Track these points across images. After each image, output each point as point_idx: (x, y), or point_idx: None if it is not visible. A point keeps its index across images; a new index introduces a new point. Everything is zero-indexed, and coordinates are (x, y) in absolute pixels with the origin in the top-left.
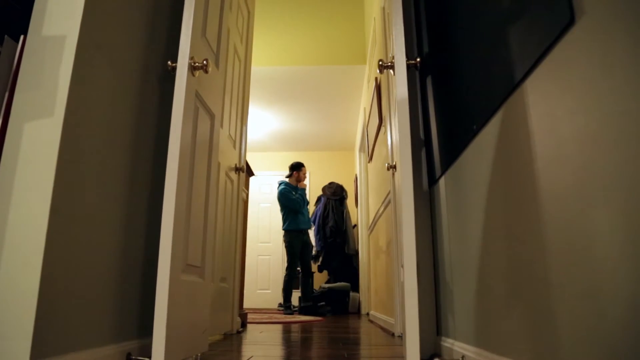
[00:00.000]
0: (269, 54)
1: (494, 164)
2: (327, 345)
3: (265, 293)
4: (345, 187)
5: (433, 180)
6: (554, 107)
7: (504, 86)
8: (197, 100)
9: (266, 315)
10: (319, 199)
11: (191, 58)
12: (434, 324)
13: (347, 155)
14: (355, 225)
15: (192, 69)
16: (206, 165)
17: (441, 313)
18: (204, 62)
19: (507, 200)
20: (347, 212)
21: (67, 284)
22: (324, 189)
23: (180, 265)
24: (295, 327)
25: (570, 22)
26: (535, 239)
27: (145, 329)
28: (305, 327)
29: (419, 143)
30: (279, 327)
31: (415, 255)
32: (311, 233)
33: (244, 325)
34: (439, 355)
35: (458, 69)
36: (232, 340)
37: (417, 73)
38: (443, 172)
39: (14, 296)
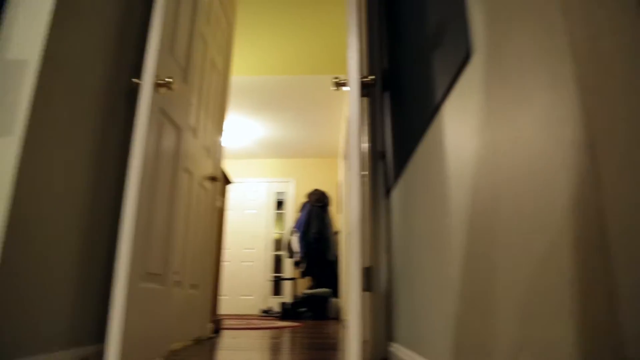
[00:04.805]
0: (254, 63)
1: (424, 181)
2: (289, 351)
3: (248, 299)
4: (330, 193)
5: (388, 191)
6: (458, 131)
7: (431, 107)
8: (161, 115)
9: (245, 322)
10: (303, 206)
11: (156, 76)
12: (387, 328)
13: (330, 162)
14: (337, 232)
15: (156, 86)
16: (171, 177)
17: (392, 318)
18: (168, 80)
19: (430, 215)
20: (330, 219)
21: (11, 296)
22: (308, 195)
23: (139, 273)
24: (269, 333)
25: (467, 57)
26: (447, 253)
27: (105, 335)
28: (279, 333)
29: (379, 155)
30: (254, 332)
31: (359, 262)
32: (296, 239)
33: (217, 331)
34: (387, 359)
35: (405, 85)
36: (201, 346)
37: (376, 89)
38: (394, 184)
39: None
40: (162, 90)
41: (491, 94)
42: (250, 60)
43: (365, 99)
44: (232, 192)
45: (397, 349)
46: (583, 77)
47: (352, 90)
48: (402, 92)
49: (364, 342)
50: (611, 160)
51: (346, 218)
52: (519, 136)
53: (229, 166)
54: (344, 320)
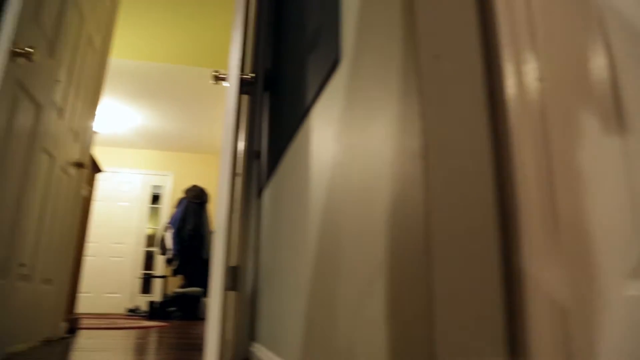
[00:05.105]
0: (137, 47)
1: (290, 183)
2: (150, 351)
3: (113, 297)
4: (210, 191)
5: (260, 191)
6: (322, 135)
7: (302, 109)
8: (18, 88)
9: (107, 321)
10: (180, 202)
11: (13, 43)
12: (250, 328)
13: (212, 159)
14: (213, 231)
15: (13, 55)
16: (25, 158)
17: (256, 318)
18: (28, 49)
19: (293, 216)
20: (207, 217)
21: None
22: (186, 191)
23: None
24: (133, 333)
25: (335, 63)
26: (304, 254)
27: None
28: (144, 333)
29: (254, 154)
30: (116, 332)
31: (223, 261)
32: (169, 236)
33: (73, 331)
34: (248, 359)
35: (283, 86)
36: (51, 347)
37: (258, 87)
38: (266, 184)
39: None
40: (20, 60)
41: (352, 101)
42: (132, 43)
43: (246, 97)
44: (103, 182)
45: (258, 349)
46: (424, 93)
47: (230, 85)
48: (280, 93)
49: (227, 342)
50: (440, 170)
51: None
52: (369, 144)
53: (101, 154)
54: None
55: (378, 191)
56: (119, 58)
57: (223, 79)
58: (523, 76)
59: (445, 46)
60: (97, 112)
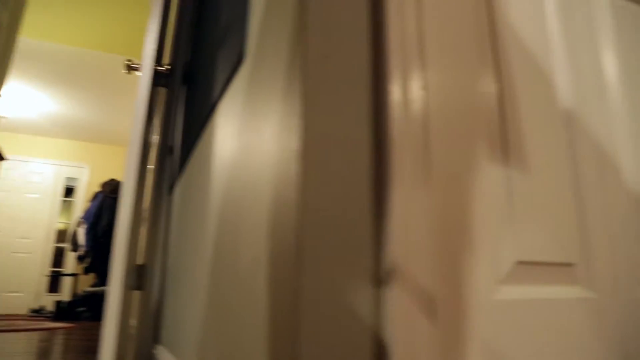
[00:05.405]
0: (53, 28)
1: (196, 180)
2: (48, 355)
3: (15, 296)
4: None
5: (172, 187)
6: (225, 132)
7: (210, 105)
8: None
9: (6, 322)
10: (95, 196)
11: None
12: (155, 330)
13: None
14: None
15: None
16: None
17: (161, 319)
18: None
19: (197, 215)
20: None
21: None
22: (103, 185)
23: None
24: (32, 335)
25: (239, 60)
26: (204, 254)
27: None
28: (47, 335)
29: (168, 149)
30: (14, 335)
31: (124, 259)
32: (82, 231)
33: None
34: None
35: (198, 80)
36: None
37: (176, 80)
38: (177, 181)
39: None
40: None
41: (251, 98)
42: (46, 24)
43: (163, 90)
44: (10, 171)
45: (160, 351)
46: (309, 92)
47: (143, 76)
48: (195, 87)
49: (127, 344)
50: (318, 169)
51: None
52: (261, 143)
53: (8, 140)
54: None
55: (265, 192)
56: (30, 38)
57: (136, 69)
58: (408, 83)
59: (335, 47)
60: (1, 94)
